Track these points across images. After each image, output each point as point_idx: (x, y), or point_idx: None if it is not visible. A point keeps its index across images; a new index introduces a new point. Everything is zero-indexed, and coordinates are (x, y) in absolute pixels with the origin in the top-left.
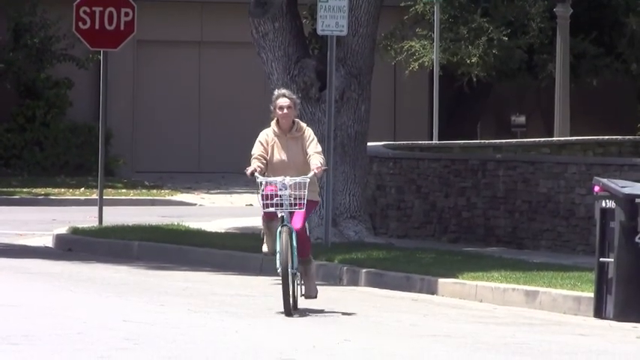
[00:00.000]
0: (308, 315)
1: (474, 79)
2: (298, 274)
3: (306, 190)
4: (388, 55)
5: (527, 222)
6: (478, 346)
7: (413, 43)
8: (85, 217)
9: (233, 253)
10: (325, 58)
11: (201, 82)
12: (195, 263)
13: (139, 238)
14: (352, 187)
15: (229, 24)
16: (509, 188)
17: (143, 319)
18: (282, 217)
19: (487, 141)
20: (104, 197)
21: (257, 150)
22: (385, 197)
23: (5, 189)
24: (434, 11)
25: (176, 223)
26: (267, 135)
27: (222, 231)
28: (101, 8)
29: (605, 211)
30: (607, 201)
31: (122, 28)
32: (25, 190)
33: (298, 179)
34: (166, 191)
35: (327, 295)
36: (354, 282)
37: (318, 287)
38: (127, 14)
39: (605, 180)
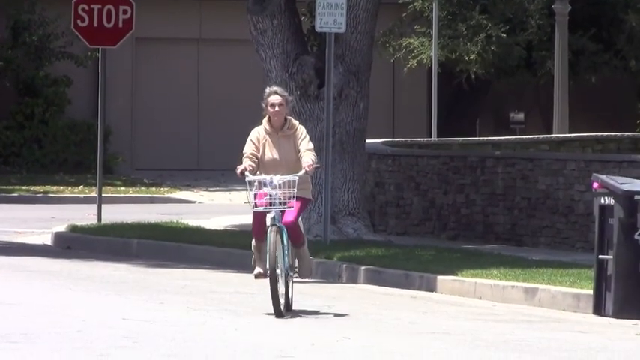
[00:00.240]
0: (306, 313)
1: (473, 76)
2: (291, 274)
3: (295, 189)
4: (387, 52)
5: (526, 219)
6: (477, 343)
7: (411, 40)
8: (84, 215)
9: (232, 250)
10: (324, 56)
11: (200, 80)
12: (194, 261)
13: (138, 236)
14: (351, 185)
15: (228, 21)
16: (508, 185)
17: (142, 317)
18: (274, 216)
19: (486, 138)
20: (103, 195)
21: (248, 149)
22: (384, 194)
23: (4, 187)
24: (432, 8)
25: (175, 221)
26: (259, 133)
27: (221, 228)
28: (99, 6)
29: (603, 208)
30: (606, 198)
31: (121, 25)
32: (24, 187)
33: (288, 177)
34: (165, 189)
35: (327, 292)
36: (353, 279)
37: (318, 285)
38: (125, 12)
39: (603, 177)
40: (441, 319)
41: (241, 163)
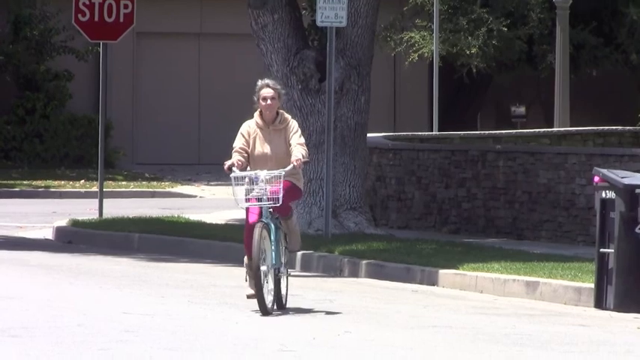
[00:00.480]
0: (307, 307)
1: (474, 70)
2: (283, 271)
3: (281, 185)
4: (388, 46)
5: (528, 213)
6: (479, 337)
7: (412, 34)
8: (85, 210)
9: (233, 244)
10: (325, 50)
11: (200, 74)
12: (195, 255)
13: (140, 230)
14: (352, 179)
15: (229, 16)
16: (509, 179)
17: (143, 311)
18: (261, 212)
19: (487, 132)
20: (104, 189)
21: (238, 142)
22: (385, 188)
23: (5, 181)
24: (433, 2)
25: (176, 215)
26: (250, 126)
27: (223, 223)
28: (100, 0)
29: (605, 202)
30: (607, 191)
31: (121, 20)
32: (25, 182)
33: (275, 172)
34: (166, 183)
35: (328, 286)
36: (354, 273)
37: (319, 279)
38: (126, 6)
39: (605, 170)
40: (442, 312)
41: (231, 158)
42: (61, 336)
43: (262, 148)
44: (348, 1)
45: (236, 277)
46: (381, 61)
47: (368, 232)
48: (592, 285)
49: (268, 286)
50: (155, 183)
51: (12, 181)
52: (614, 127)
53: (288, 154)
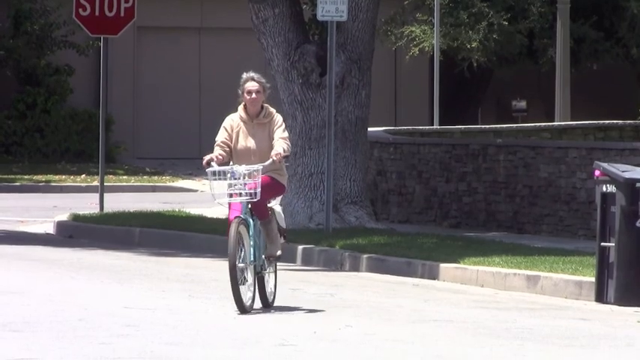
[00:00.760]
0: (308, 301)
1: (475, 64)
2: (269, 268)
3: (259, 179)
4: (388, 40)
5: (528, 207)
6: (480, 331)
7: (413, 29)
8: (86, 204)
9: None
10: (325, 44)
11: (201, 69)
12: (196, 249)
13: (141, 225)
14: (353, 173)
15: (229, 10)
16: (510, 173)
17: (144, 305)
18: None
19: (488, 126)
20: (105, 184)
21: (220, 136)
22: (386, 182)
23: (6, 176)
24: None
25: (177, 210)
26: (233, 120)
27: (224, 217)
28: None
29: (605, 196)
30: (608, 185)
31: (122, 14)
32: (26, 176)
33: (254, 167)
34: (167, 178)
35: (329, 280)
36: (355, 268)
37: (320, 273)
38: (126, 0)
39: (605, 164)
40: (443, 307)
41: (212, 152)
42: (62, 330)
43: (245, 142)
44: None
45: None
46: (381, 55)
47: (369, 226)
48: (593, 279)
49: (247, 283)
50: (156, 177)
51: (13, 176)
52: (614, 121)
53: (272, 149)
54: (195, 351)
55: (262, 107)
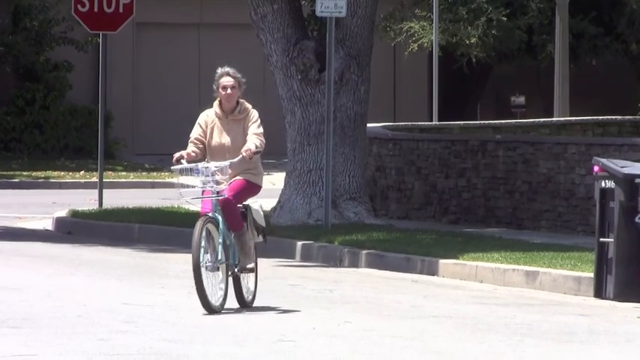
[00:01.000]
0: (307, 297)
1: (474, 60)
2: (247, 266)
3: (227, 175)
4: (387, 36)
5: (528, 202)
6: (479, 327)
7: (412, 24)
8: (85, 200)
9: None
10: (324, 40)
11: (200, 65)
12: None
13: (140, 221)
14: (352, 169)
15: (228, 6)
16: (509, 169)
17: (143, 301)
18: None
19: (487, 122)
20: (104, 180)
21: (194, 133)
22: (385, 178)
23: (5, 172)
24: None
25: (176, 206)
26: (208, 116)
27: None
28: None
29: (604, 191)
30: (606, 181)
31: (121, 10)
32: (25, 173)
33: (223, 163)
34: (166, 174)
35: (328, 276)
36: (354, 263)
37: (319, 269)
38: None
39: (604, 160)
40: (442, 302)
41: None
42: (61, 327)
43: (220, 138)
44: None
45: None
46: (380, 51)
47: (368, 222)
48: (592, 274)
49: (213, 281)
50: (155, 174)
51: (12, 172)
52: (613, 117)
53: None
54: (195, 347)
55: (238, 103)
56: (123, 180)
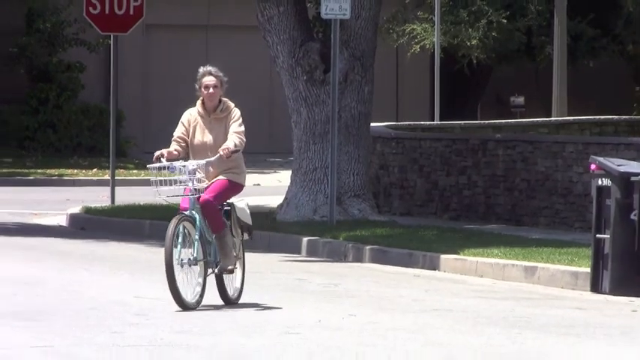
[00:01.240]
0: (312, 291)
1: (474, 61)
2: (229, 266)
3: (203, 173)
4: (390, 38)
5: (526, 200)
6: (479, 320)
7: (414, 26)
8: (98, 197)
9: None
10: (329, 41)
11: (208, 64)
12: None
13: (150, 217)
14: (356, 167)
15: (236, 8)
16: (508, 167)
17: (155, 295)
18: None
19: (487, 121)
20: (116, 177)
21: (177, 132)
22: (388, 176)
23: (20, 170)
24: None
25: None
26: (191, 115)
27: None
28: None
29: (601, 189)
30: (603, 179)
31: (131, 12)
32: (39, 170)
33: (201, 162)
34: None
35: (333, 271)
36: (358, 259)
37: (324, 264)
38: None
39: (601, 159)
40: (443, 296)
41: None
42: (74, 320)
43: (202, 137)
44: None
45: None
46: (384, 52)
47: (371, 218)
48: (588, 269)
49: (189, 277)
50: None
51: (26, 170)
52: (610, 117)
53: None
54: (204, 339)
55: (220, 102)
56: (134, 177)
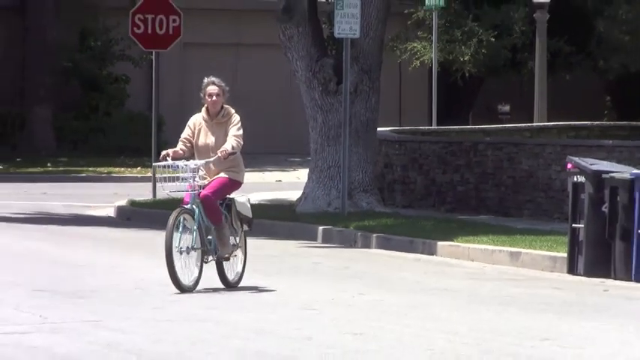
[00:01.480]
0: (325, 274)
1: (467, 75)
2: (226, 253)
3: (203, 172)
4: (394, 54)
5: (512, 194)
6: (472, 298)
7: (415, 44)
8: (142, 192)
9: (262, 221)
10: (341, 57)
11: (238, 77)
12: None
13: None
14: (365, 166)
15: (262, 28)
16: (496, 166)
17: None
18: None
19: (478, 126)
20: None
21: (184, 133)
22: (392, 174)
23: (74, 168)
24: (433, 17)
25: None
26: (196, 119)
27: (255, 202)
28: (153, 15)
29: (576, 185)
30: (578, 176)
31: (171, 32)
32: (90, 169)
33: (200, 162)
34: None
35: (344, 256)
36: (366, 245)
37: (336, 249)
38: (174, 20)
39: (576, 159)
40: (440, 278)
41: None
42: (122, 297)
43: (205, 139)
44: (360, 16)
45: (266, 248)
46: (388, 67)
47: (377, 210)
48: (565, 254)
49: (187, 263)
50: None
51: (79, 168)
52: (584, 123)
53: None
54: (234, 313)
55: (222, 108)
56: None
